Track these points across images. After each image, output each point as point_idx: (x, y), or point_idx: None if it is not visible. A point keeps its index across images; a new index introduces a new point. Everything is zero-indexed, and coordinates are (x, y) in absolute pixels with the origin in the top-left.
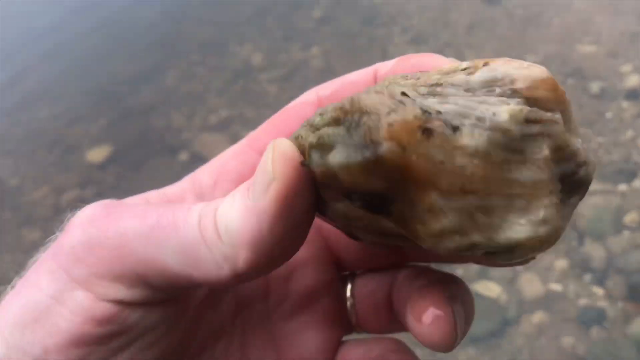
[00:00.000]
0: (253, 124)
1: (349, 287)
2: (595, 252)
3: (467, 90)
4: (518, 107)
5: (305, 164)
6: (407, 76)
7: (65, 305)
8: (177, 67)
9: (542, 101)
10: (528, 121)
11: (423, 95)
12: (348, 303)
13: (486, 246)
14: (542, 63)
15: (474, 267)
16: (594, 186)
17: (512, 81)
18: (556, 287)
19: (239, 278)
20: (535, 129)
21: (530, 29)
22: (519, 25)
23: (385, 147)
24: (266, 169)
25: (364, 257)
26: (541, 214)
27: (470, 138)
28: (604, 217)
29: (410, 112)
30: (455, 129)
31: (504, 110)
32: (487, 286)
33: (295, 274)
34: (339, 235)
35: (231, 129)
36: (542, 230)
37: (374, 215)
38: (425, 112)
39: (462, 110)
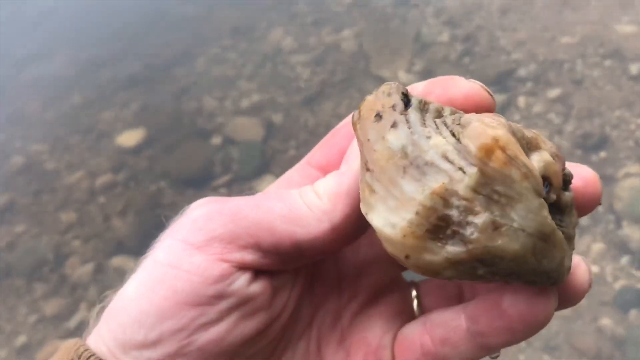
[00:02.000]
0: (285, 109)
1: (414, 292)
2: (633, 234)
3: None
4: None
5: None
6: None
7: (184, 269)
8: (207, 51)
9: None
10: (444, 157)
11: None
12: (414, 295)
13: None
14: (579, 44)
15: None
16: (632, 168)
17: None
18: (593, 269)
19: (335, 231)
20: (445, 165)
21: (567, 10)
22: (555, 6)
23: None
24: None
25: None
26: (397, 219)
27: (394, 136)
28: None
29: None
30: (394, 125)
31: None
32: None
33: (365, 272)
34: None
35: (263, 113)
36: (388, 230)
37: None
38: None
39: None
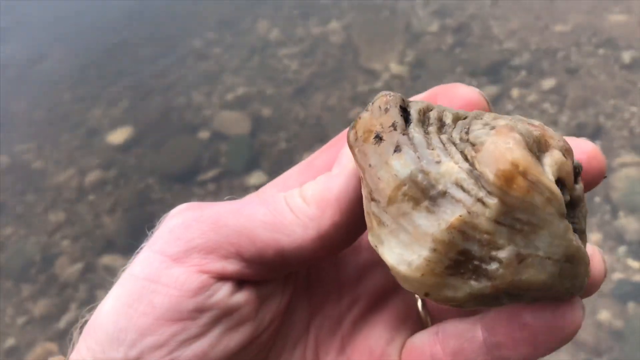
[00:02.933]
0: (273, 102)
1: None
2: (629, 224)
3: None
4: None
5: None
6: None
7: (161, 283)
8: (193, 45)
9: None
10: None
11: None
12: (419, 301)
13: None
14: (571, 33)
15: None
16: (627, 158)
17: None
18: None
19: (322, 240)
20: (460, 194)
21: None
22: None
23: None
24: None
25: None
26: (412, 257)
27: (399, 162)
28: (638, 188)
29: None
30: (397, 148)
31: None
32: None
33: (366, 275)
34: None
35: (251, 106)
36: (403, 268)
37: None
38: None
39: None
